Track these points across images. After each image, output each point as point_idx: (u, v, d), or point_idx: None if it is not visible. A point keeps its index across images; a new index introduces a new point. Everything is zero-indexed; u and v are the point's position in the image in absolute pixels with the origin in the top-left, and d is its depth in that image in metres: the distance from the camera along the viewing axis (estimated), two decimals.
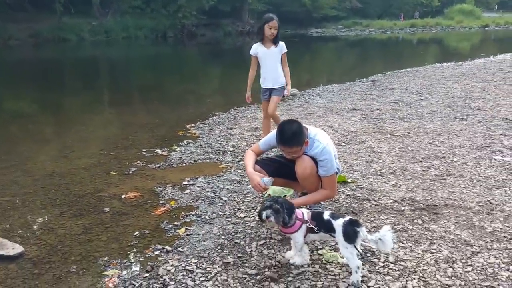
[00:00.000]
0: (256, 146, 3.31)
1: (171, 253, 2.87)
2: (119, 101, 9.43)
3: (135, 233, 3.20)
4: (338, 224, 2.44)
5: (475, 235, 2.97)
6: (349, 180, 3.98)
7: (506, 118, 6.29)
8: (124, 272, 2.69)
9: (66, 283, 2.61)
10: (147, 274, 2.63)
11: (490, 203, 3.48)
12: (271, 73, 4.87)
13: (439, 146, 5.07)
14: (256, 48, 4.78)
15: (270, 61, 4.82)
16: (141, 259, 2.84)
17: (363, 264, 2.50)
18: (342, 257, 2.62)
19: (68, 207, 3.71)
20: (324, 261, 2.67)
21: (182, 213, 3.51)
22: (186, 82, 12.58)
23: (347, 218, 2.46)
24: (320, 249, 2.81)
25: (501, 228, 3.05)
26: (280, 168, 3.23)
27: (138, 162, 4.91)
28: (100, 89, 11.94)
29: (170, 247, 2.94)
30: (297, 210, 2.61)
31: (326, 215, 2.53)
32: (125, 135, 6.19)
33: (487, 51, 17.86)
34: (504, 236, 2.93)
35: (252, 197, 3.75)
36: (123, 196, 3.90)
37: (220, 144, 5.49)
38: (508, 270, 2.53)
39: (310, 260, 2.65)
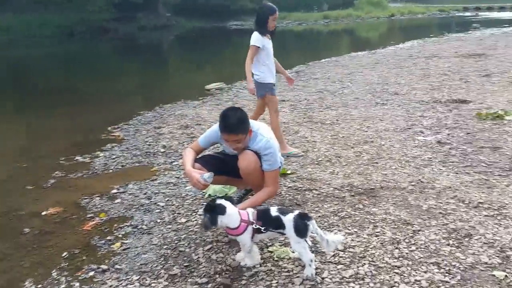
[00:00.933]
0: (195, 143, 3.13)
1: (108, 272, 2.60)
2: (28, 107, 8.54)
3: (63, 254, 2.86)
4: (288, 219, 2.36)
5: (413, 214, 3.07)
6: (289, 172, 3.94)
7: (422, 100, 6.69)
8: None
9: None
10: None
11: (421, 181, 3.64)
12: (273, 68, 4.52)
13: (367, 131, 5.24)
14: (263, 40, 4.33)
15: (271, 55, 4.47)
16: (74, 283, 2.54)
17: (314, 256, 2.46)
18: (293, 252, 2.55)
19: None
20: (275, 258, 2.58)
21: (115, 225, 3.22)
22: (101, 81, 11.83)
23: (297, 212, 2.40)
24: (270, 246, 2.71)
25: (435, 205, 3.18)
26: (221, 165, 3.08)
27: (56, 172, 4.46)
28: (4, 95, 10.79)
29: (106, 266, 2.67)
30: (241, 211, 2.50)
31: (274, 212, 2.44)
32: (39, 143, 5.65)
33: (396, 39, 19.02)
34: (440, 212, 3.06)
35: (192, 199, 3.55)
36: (43, 213, 3.50)
37: (149, 145, 5.19)
38: (448, 245, 2.63)
39: (261, 259, 2.55)
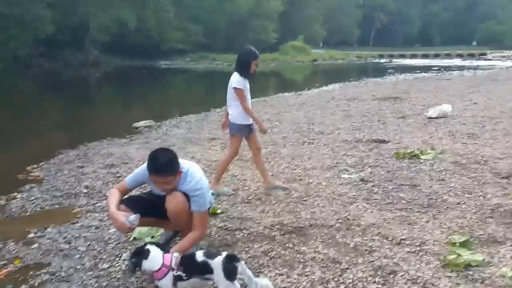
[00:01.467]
0: (121, 184, 3.00)
1: None
2: None
3: None
4: (216, 263, 2.30)
5: (341, 251, 3.15)
6: (219, 211, 3.89)
7: (345, 140, 7.05)
8: None
9: None
10: None
11: (348, 219, 3.77)
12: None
13: (295, 169, 5.38)
14: (244, 82, 4.38)
15: (249, 97, 4.51)
16: None
17: None
18: None
19: None
20: None
21: (31, 272, 2.95)
22: (21, 118, 11.09)
23: (224, 254, 2.35)
24: None
25: (361, 242, 3.30)
26: (148, 206, 2.96)
27: None
28: None
29: None
30: (166, 255, 2.41)
31: (200, 257, 2.37)
32: None
33: (320, 82, 20.11)
34: (365, 250, 3.17)
35: (115, 243, 3.36)
36: None
37: (71, 185, 4.88)
38: (375, 282, 2.72)
39: None
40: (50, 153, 6.55)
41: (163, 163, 2.74)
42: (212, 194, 3.69)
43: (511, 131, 7.11)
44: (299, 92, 15.37)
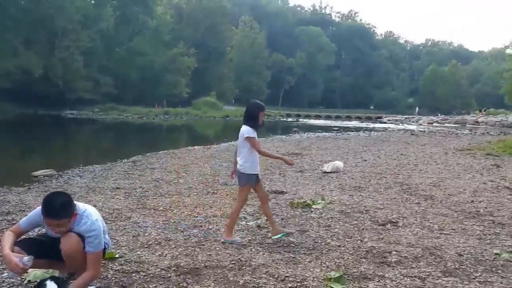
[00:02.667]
0: (16, 227, 3.04)
1: None
2: None
3: None
4: None
5: None
6: (117, 256, 3.98)
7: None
8: None
9: None
10: None
11: (241, 260, 4.09)
12: (258, 159, 4.80)
13: (196, 217, 5.64)
14: (254, 132, 4.65)
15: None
16: None
17: None
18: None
19: None
20: None
21: None
22: None
23: None
24: None
25: (250, 280, 3.62)
26: (42, 248, 3.02)
27: None
28: None
29: None
30: None
31: None
32: None
33: (229, 137, 20.86)
34: (253, 286, 3.50)
35: (8, 286, 3.28)
36: None
37: None
38: None
39: None
40: None
41: (58, 207, 2.83)
42: (227, 242, 4.43)
43: (392, 186, 8.12)
44: (208, 146, 15.82)
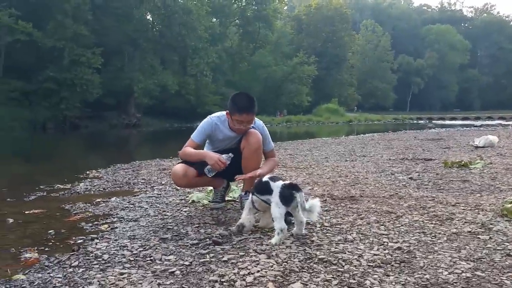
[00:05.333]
0: (190, 142, 3.10)
1: (98, 240, 2.53)
2: None
3: (50, 231, 2.77)
4: (276, 185, 2.42)
5: (394, 208, 3.19)
6: None
7: (389, 159, 7.08)
8: (44, 255, 2.28)
9: None
10: (73, 253, 2.27)
11: (397, 193, 3.81)
12: None
13: (349, 175, 5.45)
14: None
15: None
16: (62, 246, 2.45)
17: None
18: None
19: None
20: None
21: (100, 218, 3.15)
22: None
23: (287, 181, 2.46)
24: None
25: (415, 204, 3.33)
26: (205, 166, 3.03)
27: (37, 192, 4.38)
28: None
29: (95, 235, 2.59)
30: None
31: (265, 179, 2.57)
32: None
33: (356, 132, 20.36)
34: (420, 207, 3.21)
35: (175, 204, 3.53)
36: (26, 212, 3.39)
37: (128, 179, 5.18)
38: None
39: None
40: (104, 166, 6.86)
41: (253, 102, 2.97)
42: None
43: None
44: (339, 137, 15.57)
